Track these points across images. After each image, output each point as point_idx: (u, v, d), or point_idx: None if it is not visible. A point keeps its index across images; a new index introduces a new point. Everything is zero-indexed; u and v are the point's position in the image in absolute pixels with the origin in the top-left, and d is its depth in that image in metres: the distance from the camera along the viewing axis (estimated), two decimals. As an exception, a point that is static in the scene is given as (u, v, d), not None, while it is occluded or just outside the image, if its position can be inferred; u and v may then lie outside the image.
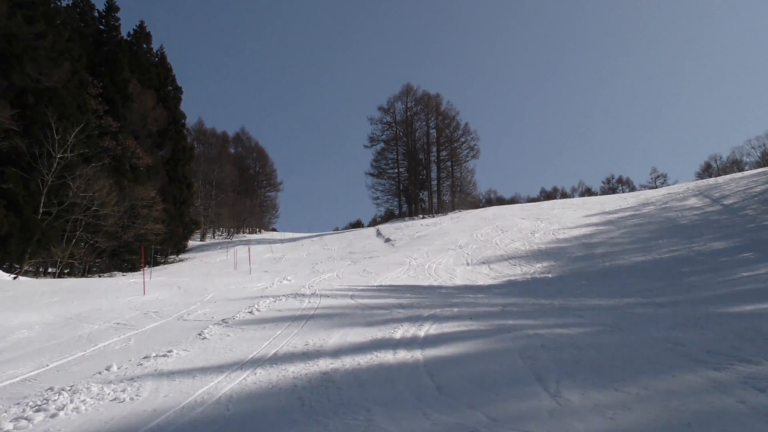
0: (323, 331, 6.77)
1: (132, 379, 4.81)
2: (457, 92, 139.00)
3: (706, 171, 57.56)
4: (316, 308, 8.80)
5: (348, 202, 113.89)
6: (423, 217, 42.36)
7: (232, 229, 49.14)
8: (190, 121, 48.11)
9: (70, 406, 4.02)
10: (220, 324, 7.61)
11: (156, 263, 27.38)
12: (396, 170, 50.97)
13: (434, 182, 49.94)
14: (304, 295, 10.59)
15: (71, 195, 19.73)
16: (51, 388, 4.56)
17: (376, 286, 13.44)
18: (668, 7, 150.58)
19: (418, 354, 5.25)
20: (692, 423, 3.12)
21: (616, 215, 25.03)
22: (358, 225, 58.17)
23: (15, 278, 15.73)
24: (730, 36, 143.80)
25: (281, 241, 37.17)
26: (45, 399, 4.23)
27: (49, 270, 21.09)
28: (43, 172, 18.91)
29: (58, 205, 19.44)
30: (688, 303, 8.32)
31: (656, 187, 52.08)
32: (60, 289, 12.72)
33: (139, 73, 30.89)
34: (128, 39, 32.32)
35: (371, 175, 50.92)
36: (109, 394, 4.34)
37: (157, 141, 30.68)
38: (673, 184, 49.39)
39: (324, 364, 5.00)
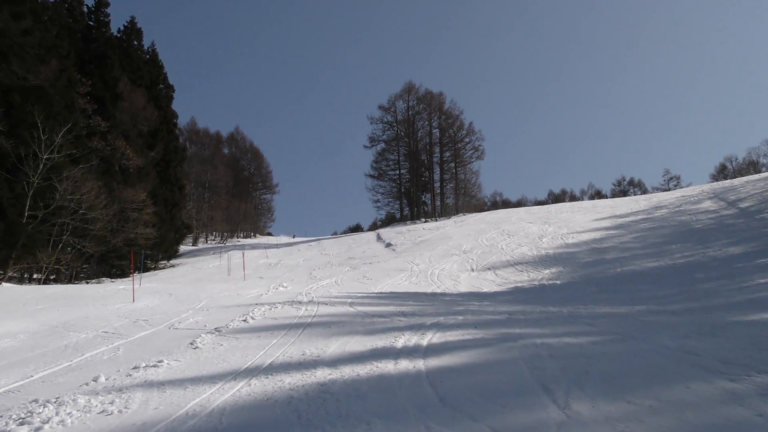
0: (321, 340, 6.63)
1: (120, 390, 4.65)
2: (461, 91, 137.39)
3: (721, 173, 57.69)
4: (314, 316, 8.66)
5: (347, 205, 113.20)
6: (425, 221, 41.89)
7: (225, 234, 48.77)
8: (183, 121, 47.94)
9: (56, 419, 3.89)
10: (213, 333, 7.44)
11: (146, 269, 26.96)
12: (397, 171, 50.04)
13: (437, 184, 49.00)
14: (301, 303, 10.43)
15: (58, 197, 19.32)
16: (36, 400, 4.40)
17: (377, 293, 13.29)
18: (680, 6, 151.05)
19: (420, 364, 5.13)
20: (708, 437, 3.03)
21: (627, 219, 24.69)
22: (357, 229, 57.84)
23: (-1, 283, 15.34)
24: (746, 34, 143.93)
25: (277, 245, 36.93)
26: (29, 411, 4.08)
27: (35, 276, 20.65)
28: (29, 173, 18.48)
29: (45, 208, 19.01)
30: (703, 310, 8.18)
31: (669, 190, 52.19)
32: (46, 296, 12.44)
33: (129, 70, 30.57)
34: (118, 36, 31.97)
35: (371, 176, 50.07)
36: (96, 406, 4.20)
37: (148, 141, 30.33)
38: (687, 186, 49.12)
39: (322, 375, 4.88)
